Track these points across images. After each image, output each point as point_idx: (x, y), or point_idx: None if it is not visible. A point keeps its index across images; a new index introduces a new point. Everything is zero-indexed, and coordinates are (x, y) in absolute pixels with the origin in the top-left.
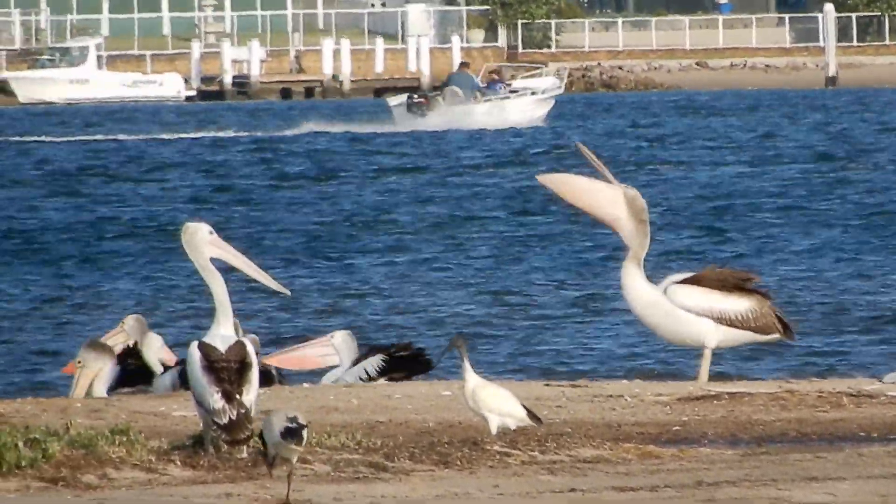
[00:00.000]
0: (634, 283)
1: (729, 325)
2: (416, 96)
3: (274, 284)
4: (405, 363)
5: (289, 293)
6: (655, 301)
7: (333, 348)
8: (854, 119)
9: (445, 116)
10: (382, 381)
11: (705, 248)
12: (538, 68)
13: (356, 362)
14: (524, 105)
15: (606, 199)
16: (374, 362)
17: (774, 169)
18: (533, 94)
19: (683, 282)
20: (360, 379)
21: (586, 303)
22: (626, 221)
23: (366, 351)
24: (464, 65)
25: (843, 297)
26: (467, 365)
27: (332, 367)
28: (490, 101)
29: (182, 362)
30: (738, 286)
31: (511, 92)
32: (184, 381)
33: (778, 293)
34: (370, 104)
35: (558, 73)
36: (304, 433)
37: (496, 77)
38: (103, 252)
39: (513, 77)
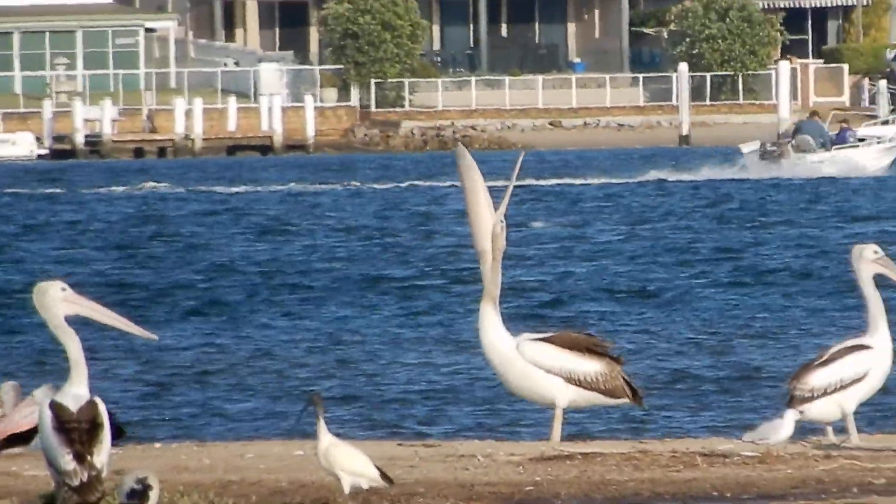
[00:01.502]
0: (493, 330)
1: (578, 386)
2: (769, 144)
3: (139, 331)
4: None
5: (155, 338)
6: (510, 353)
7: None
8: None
9: (798, 164)
10: None
11: (546, 302)
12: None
13: None
14: (873, 154)
15: (485, 223)
16: None
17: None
18: (879, 142)
19: (536, 339)
20: None
21: (443, 361)
22: (489, 255)
23: None
24: (814, 114)
25: (694, 356)
26: (322, 424)
27: None
28: (841, 150)
29: None
30: (589, 349)
31: (858, 140)
32: None
33: (629, 353)
34: (713, 152)
35: None
36: (151, 494)
37: (845, 125)
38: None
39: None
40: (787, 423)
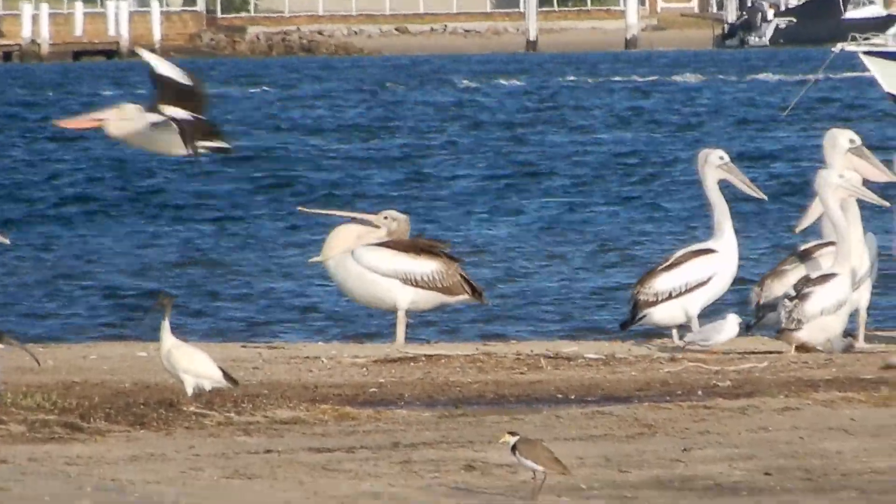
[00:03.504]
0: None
1: (416, 286)
2: None
3: None
4: None
5: (7, 241)
6: (346, 261)
7: None
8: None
9: None
10: None
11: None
12: None
13: None
14: None
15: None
16: None
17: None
18: None
19: (371, 245)
20: None
21: (291, 267)
22: None
23: None
24: None
25: (537, 261)
26: (166, 325)
27: None
28: None
29: None
30: (425, 250)
31: None
32: None
33: (471, 256)
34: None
35: None
36: None
37: None
38: None
39: None
40: (729, 325)
